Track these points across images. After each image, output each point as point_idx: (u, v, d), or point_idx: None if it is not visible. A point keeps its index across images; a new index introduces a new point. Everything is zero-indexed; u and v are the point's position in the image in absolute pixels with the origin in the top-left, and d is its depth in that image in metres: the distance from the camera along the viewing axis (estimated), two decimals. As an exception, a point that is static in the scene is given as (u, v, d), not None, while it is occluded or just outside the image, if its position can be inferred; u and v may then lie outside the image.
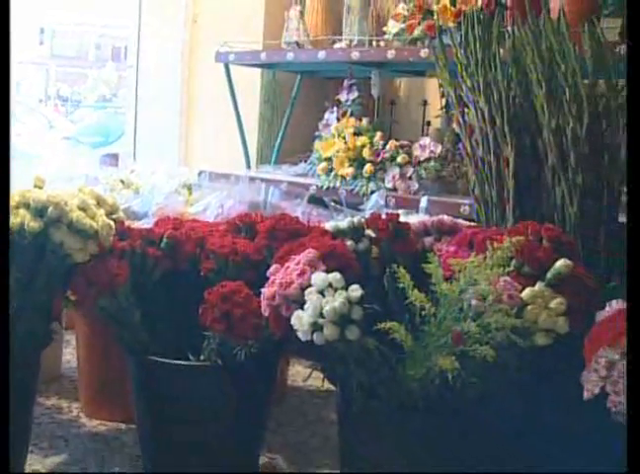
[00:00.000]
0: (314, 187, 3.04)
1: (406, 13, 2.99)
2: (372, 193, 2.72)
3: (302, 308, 1.46)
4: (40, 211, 1.63)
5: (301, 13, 3.48)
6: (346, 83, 3.36)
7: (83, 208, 1.69)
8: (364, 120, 3.16)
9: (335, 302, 1.42)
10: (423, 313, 1.44)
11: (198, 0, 4.18)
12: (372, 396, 1.50)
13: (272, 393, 1.87)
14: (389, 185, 2.87)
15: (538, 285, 1.49)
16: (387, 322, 1.42)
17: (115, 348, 1.84)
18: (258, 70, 3.81)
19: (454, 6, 2.70)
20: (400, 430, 1.52)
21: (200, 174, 3.10)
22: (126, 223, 1.90)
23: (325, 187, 3.05)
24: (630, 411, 1.06)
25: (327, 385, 1.68)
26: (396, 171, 2.85)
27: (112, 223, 1.75)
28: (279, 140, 3.83)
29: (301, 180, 3.21)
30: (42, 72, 4.67)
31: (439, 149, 2.80)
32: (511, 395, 1.48)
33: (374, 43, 3.22)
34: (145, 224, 2.05)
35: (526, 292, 1.46)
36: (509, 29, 1.94)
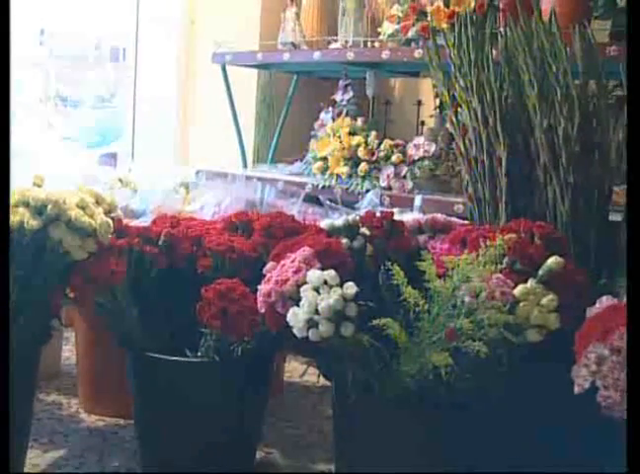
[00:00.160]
0: (310, 185, 3.05)
1: (400, 14, 3.00)
2: (367, 191, 2.73)
3: (298, 305, 1.47)
4: (39, 210, 1.64)
5: (297, 14, 3.49)
6: (341, 83, 3.37)
7: (82, 207, 1.70)
8: (359, 120, 3.18)
9: (330, 299, 1.43)
10: (417, 310, 1.45)
11: (195, 2, 4.19)
12: (367, 391, 1.51)
13: (268, 389, 1.89)
14: (384, 183, 2.87)
15: (530, 282, 1.49)
16: (382, 318, 1.43)
17: (113, 344, 1.85)
18: (254, 71, 3.83)
19: (448, 7, 2.70)
20: (394, 424, 1.53)
21: (197, 173, 3.11)
22: (124, 221, 1.91)
23: (320, 185, 3.05)
24: (630, 411, 1.07)
25: (322, 381, 1.70)
26: (391, 170, 2.86)
27: (110, 221, 1.75)
28: (275, 140, 3.84)
29: (297, 179, 3.21)
30: (42, 73, 4.65)
31: (432, 148, 2.81)
32: (503, 389, 1.49)
33: (369, 44, 3.22)
34: (143, 222, 2.06)
35: (519, 289, 1.47)
36: (501, 30, 1.94)
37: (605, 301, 1.43)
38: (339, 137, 3.12)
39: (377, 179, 2.91)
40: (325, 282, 1.47)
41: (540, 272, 1.52)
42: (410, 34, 2.92)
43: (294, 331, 1.46)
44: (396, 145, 2.94)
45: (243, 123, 3.75)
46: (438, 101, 3.04)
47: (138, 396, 1.84)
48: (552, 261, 1.52)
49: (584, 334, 1.32)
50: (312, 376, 1.74)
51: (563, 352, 1.34)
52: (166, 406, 1.77)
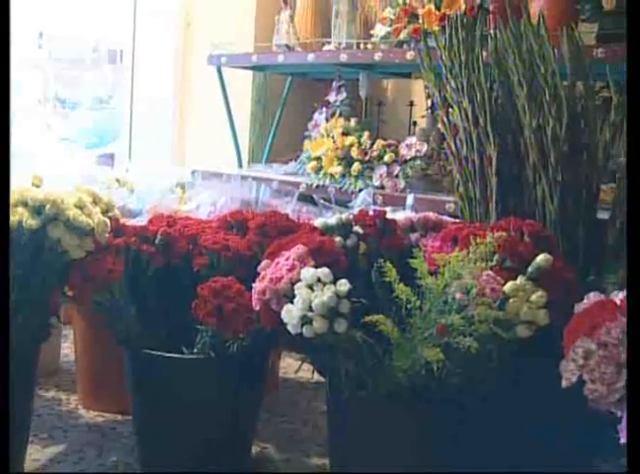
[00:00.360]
0: (304, 185, 3.06)
1: (392, 17, 3.01)
2: (360, 190, 2.73)
3: (292, 302, 1.48)
4: (37, 209, 1.65)
5: (291, 17, 3.51)
6: (334, 84, 3.38)
7: (79, 206, 1.71)
8: (353, 121, 3.19)
9: (323, 296, 1.44)
10: (409, 306, 1.46)
11: (191, 5, 4.21)
12: (360, 387, 1.53)
13: (263, 385, 1.90)
14: (377, 183, 2.88)
15: (520, 279, 1.51)
16: (374, 315, 1.45)
17: (111, 341, 1.86)
18: (249, 72, 3.84)
19: (439, 10, 2.71)
20: (387, 419, 1.55)
21: (193, 173, 3.11)
22: (122, 221, 1.93)
23: (314, 185, 3.06)
24: (630, 411, 1.08)
25: (317, 377, 1.71)
26: (383, 169, 2.87)
27: (107, 221, 1.77)
28: (269, 140, 3.86)
29: (291, 178, 3.22)
30: (41, 75, 4.65)
31: (424, 148, 2.81)
32: (494, 384, 1.51)
33: (362, 46, 3.23)
34: (140, 222, 2.08)
35: (508, 286, 1.48)
36: (491, 32, 1.95)
37: (593, 297, 1.44)
38: (332, 137, 3.13)
39: (370, 178, 2.92)
40: (319, 280, 1.48)
41: (530, 269, 1.53)
42: (402, 36, 2.94)
43: (289, 328, 1.48)
44: (389, 145, 2.95)
45: (238, 124, 3.77)
46: (429, 101, 3.05)
47: (136, 392, 1.86)
48: (541, 258, 1.53)
49: (572, 329, 1.33)
50: (307, 372, 1.75)
51: (552, 347, 1.36)
52: (163, 402, 1.79)
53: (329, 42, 3.37)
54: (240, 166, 3.78)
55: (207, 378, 1.78)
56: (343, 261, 1.63)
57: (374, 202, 2.62)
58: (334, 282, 1.48)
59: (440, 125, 2.13)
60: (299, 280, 1.50)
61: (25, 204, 1.65)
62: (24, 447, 1.79)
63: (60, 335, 2.56)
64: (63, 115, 4.91)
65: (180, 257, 1.86)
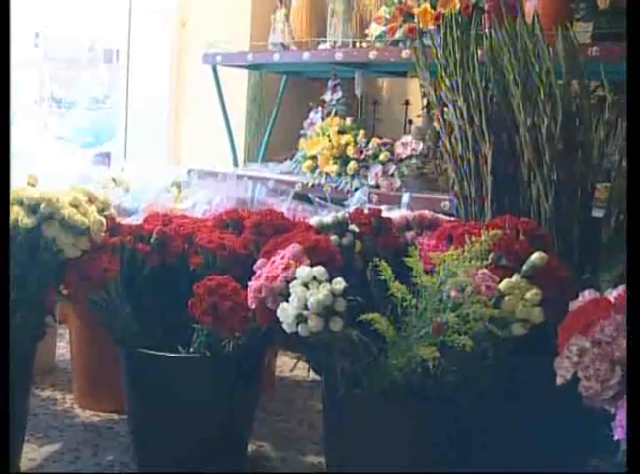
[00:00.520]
0: (300, 184, 3.07)
1: (388, 16, 3.02)
2: (356, 189, 2.74)
3: (288, 301, 1.48)
4: (33, 208, 1.65)
5: (287, 16, 3.51)
6: (330, 83, 3.39)
7: (75, 205, 1.71)
8: (348, 120, 3.19)
9: (319, 295, 1.44)
10: (404, 305, 1.46)
11: (186, 4, 4.21)
12: (356, 385, 1.53)
13: (259, 383, 1.91)
14: (372, 181, 2.89)
15: (515, 277, 1.51)
16: (370, 313, 1.45)
17: (106, 340, 1.86)
18: (245, 71, 3.84)
19: (434, 9, 2.72)
20: (383, 417, 1.55)
21: (188, 172, 3.11)
22: (117, 220, 1.93)
23: (310, 184, 3.07)
24: (630, 412, 1.09)
25: (313, 376, 1.71)
26: (379, 168, 2.88)
27: (103, 220, 1.77)
28: (265, 139, 3.86)
29: (287, 177, 3.23)
30: (37, 75, 4.65)
31: (420, 147, 2.82)
32: (489, 382, 1.51)
33: (357, 45, 3.24)
34: (135, 221, 2.07)
35: (503, 284, 1.49)
36: (486, 31, 1.96)
37: (588, 295, 1.44)
38: (328, 136, 3.13)
39: (366, 177, 2.92)
40: (314, 278, 1.48)
41: (525, 267, 1.54)
42: (397, 34, 2.94)
43: (284, 326, 1.48)
44: (384, 144, 2.95)
45: (234, 123, 3.77)
46: (425, 100, 3.05)
47: (132, 391, 1.86)
48: (536, 256, 1.54)
49: (566, 327, 1.34)
50: (302, 371, 1.76)
51: (547, 345, 1.37)
52: (159, 401, 1.79)
53: (324, 41, 3.38)
54: (236, 165, 3.78)
55: (203, 377, 1.78)
56: (338, 259, 1.64)
57: (370, 201, 2.63)
58: (329, 281, 1.48)
59: (435, 124, 2.13)
60: (295, 279, 1.50)
61: (20, 203, 1.65)
62: (19, 447, 1.79)
63: (56, 334, 2.55)
64: (59, 114, 4.91)
65: (175, 256, 1.86)
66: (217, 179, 2.86)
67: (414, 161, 2.81)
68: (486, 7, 2.58)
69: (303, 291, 1.47)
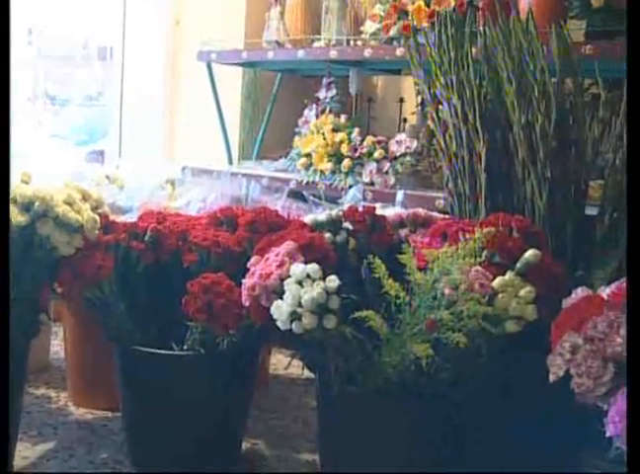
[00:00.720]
0: (294, 181, 3.07)
1: (382, 13, 3.02)
2: (350, 187, 2.74)
3: (282, 298, 1.48)
4: (26, 206, 1.65)
5: (281, 13, 3.51)
6: (324, 81, 3.39)
7: (69, 203, 1.71)
8: (343, 117, 3.19)
9: (313, 292, 1.45)
10: (398, 302, 1.47)
11: (180, 2, 4.20)
12: (350, 382, 1.53)
13: (253, 381, 1.91)
14: (366, 179, 2.89)
15: (508, 275, 1.52)
16: (364, 311, 1.45)
17: (100, 338, 1.86)
18: (239, 68, 3.84)
19: (428, 7, 2.72)
20: (377, 414, 1.56)
21: (183, 169, 3.11)
22: (111, 217, 1.93)
23: (304, 181, 3.06)
24: (630, 412, 1.09)
25: (307, 373, 1.73)
26: (373, 166, 2.88)
27: (97, 217, 1.77)
28: (259, 136, 3.86)
29: (281, 175, 3.22)
30: (31, 72, 4.64)
31: (414, 145, 2.82)
32: (483, 378, 1.52)
33: (352, 43, 3.23)
34: (129, 218, 2.07)
35: (497, 281, 1.49)
36: (480, 29, 1.96)
37: (581, 292, 1.45)
38: (322, 134, 3.13)
39: (360, 175, 2.92)
40: (308, 276, 1.49)
41: (518, 264, 1.54)
42: (392, 32, 2.94)
43: (278, 323, 1.48)
44: (379, 142, 2.95)
45: (228, 121, 3.77)
46: (419, 98, 3.06)
47: (126, 389, 1.86)
48: (530, 254, 1.54)
49: (559, 324, 1.34)
50: (297, 369, 1.76)
51: (541, 342, 1.37)
52: (153, 399, 1.79)
53: (319, 39, 3.37)
54: (230, 163, 3.78)
55: (197, 375, 1.79)
56: (332, 257, 1.64)
57: (364, 199, 2.63)
58: (323, 278, 1.48)
59: (429, 122, 2.13)
60: (289, 276, 1.51)
61: (14, 201, 1.65)
62: (13, 445, 1.78)
63: (50, 332, 2.55)
64: (53, 112, 4.90)
65: (170, 253, 1.87)
66: (212, 176, 2.86)
67: (408, 159, 2.81)
68: (480, 5, 2.58)
69: (297, 289, 1.47)
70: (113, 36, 4.46)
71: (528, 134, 1.84)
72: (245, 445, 1.97)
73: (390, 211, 1.97)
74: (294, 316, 1.46)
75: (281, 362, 2.61)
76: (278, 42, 3.48)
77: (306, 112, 3.45)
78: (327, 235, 1.72)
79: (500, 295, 1.49)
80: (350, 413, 1.60)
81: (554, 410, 1.51)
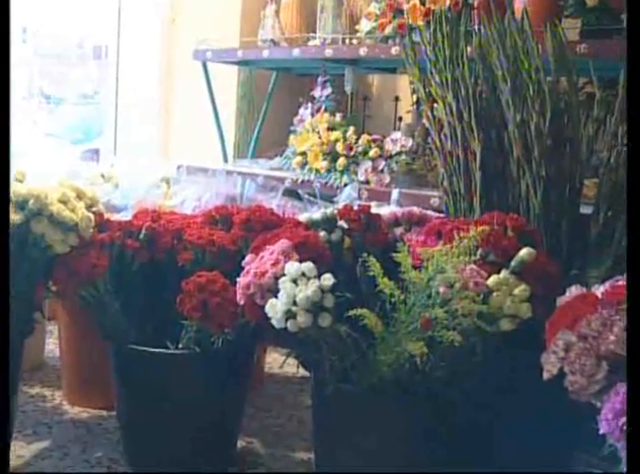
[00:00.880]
0: (289, 180, 3.07)
1: (377, 12, 3.03)
2: (345, 185, 2.74)
3: (276, 297, 1.48)
4: (21, 204, 1.65)
5: (277, 12, 3.52)
6: (320, 79, 3.39)
7: (63, 201, 1.71)
8: (338, 116, 3.20)
9: (308, 291, 1.44)
10: (393, 300, 1.46)
11: (175, 0, 4.20)
12: (345, 380, 1.53)
13: (248, 379, 1.91)
14: (362, 178, 2.89)
15: (503, 273, 1.52)
16: (359, 309, 1.45)
17: (95, 337, 1.86)
18: (235, 67, 3.84)
19: (424, 5, 2.73)
20: (372, 412, 1.56)
21: (178, 168, 3.11)
22: (106, 216, 1.92)
23: (300, 180, 3.07)
24: (630, 412, 1.09)
25: (302, 371, 1.72)
26: (368, 164, 2.88)
27: (91, 216, 1.77)
28: (255, 135, 3.86)
29: (277, 173, 3.23)
30: (26, 71, 4.64)
31: (409, 143, 2.83)
32: (478, 377, 1.52)
33: (347, 41, 3.24)
34: (124, 217, 2.07)
35: (492, 280, 1.49)
36: (475, 28, 1.96)
37: (575, 291, 1.45)
38: (318, 133, 3.14)
39: (355, 173, 2.92)
40: (303, 274, 1.48)
41: (513, 263, 1.54)
42: (387, 31, 2.95)
43: (273, 322, 1.48)
44: (374, 140, 2.95)
45: (224, 119, 3.77)
46: (414, 97, 3.05)
47: (121, 388, 1.86)
48: (524, 252, 1.54)
49: (554, 322, 1.35)
50: (292, 367, 1.76)
51: (535, 340, 1.37)
52: (148, 397, 1.79)
53: (314, 38, 3.38)
54: (225, 161, 3.78)
55: (192, 373, 1.78)
56: (327, 255, 1.64)
57: (359, 197, 2.64)
58: (318, 277, 1.48)
59: (424, 120, 2.13)
60: (284, 275, 1.50)
61: (8, 199, 1.65)
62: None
63: (45, 330, 2.55)
64: (49, 110, 4.90)
65: (164, 252, 1.86)
66: (207, 175, 2.86)
67: (403, 157, 2.82)
68: (475, 4, 2.59)
69: (292, 287, 1.47)
70: (108, 34, 4.45)
71: (523, 133, 1.83)
72: (240, 444, 1.97)
73: (385, 210, 1.97)
74: (289, 314, 1.46)
75: (277, 361, 2.61)
76: (273, 41, 3.49)
77: (301, 110, 3.46)
78: (322, 234, 1.72)
79: (494, 294, 1.49)
80: (345, 411, 1.59)
81: (548, 408, 1.51)
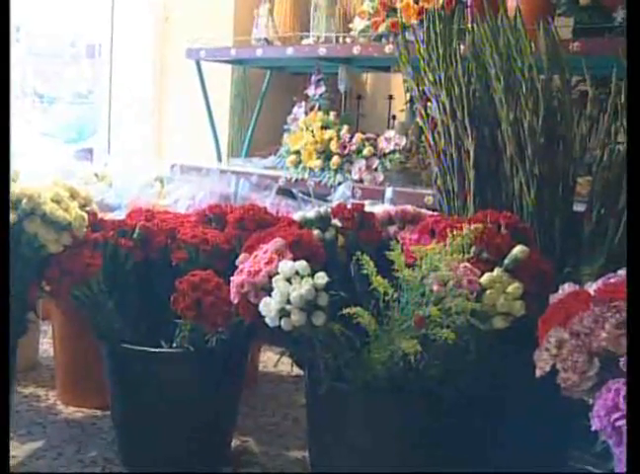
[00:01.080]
0: (283, 179, 3.08)
1: (371, 10, 3.03)
2: (339, 184, 2.75)
3: (270, 295, 1.48)
4: (14, 204, 1.65)
5: (270, 10, 3.52)
6: (313, 78, 3.40)
7: (57, 201, 1.71)
8: (332, 114, 3.20)
9: (301, 289, 1.44)
10: (386, 299, 1.46)
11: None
12: (339, 379, 1.53)
13: (243, 378, 1.91)
14: (355, 176, 2.90)
15: (496, 271, 1.51)
16: (352, 308, 1.45)
17: (89, 336, 1.86)
18: (228, 66, 3.84)
19: (417, 4, 2.73)
20: (365, 410, 1.56)
21: (172, 167, 3.11)
22: (100, 215, 1.92)
23: (294, 179, 3.08)
24: (630, 412, 1.09)
25: (297, 370, 1.72)
26: (362, 163, 2.89)
27: (85, 215, 1.77)
28: (249, 134, 3.86)
29: (271, 172, 3.24)
30: (19, 70, 4.64)
31: (403, 142, 2.83)
32: (471, 375, 1.52)
33: (341, 40, 3.25)
34: (118, 216, 2.07)
35: (485, 278, 1.49)
36: (469, 26, 1.96)
37: (568, 288, 1.46)
38: (311, 131, 3.14)
39: (349, 172, 2.93)
40: (297, 273, 1.48)
41: (506, 261, 1.54)
42: (380, 29, 2.96)
43: (267, 321, 1.48)
44: (368, 139, 2.96)
45: (217, 118, 3.77)
46: (408, 95, 3.06)
47: (115, 387, 1.85)
48: (518, 250, 1.54)
49: (546, 319, 1.35)
50: (287, 366, 1.76)
51: (528, 338, 1.38)
52: (142, 397, 1.79)
53: (308, 36, 3.39)
54: (219, 160, 3.78)
55: (186, 372, 1.78)
56: (321, 254, 1.64)
57: (353, 196, 2.64)
58: (312, 275, 1.48)
59: (418, 119, 2.14)
60: (277, 273, 1.50)
61: (1, 199, 1.64)
62: (2, 443, 1.78)
63: (38, 330, 2.54)
64: (42, 110, 4.89)
65: (158, 251, 1.86)
66: (201, 174, 2.85)
67: (397, 156, 2.82)
68: (468, 2, 2.60)
69: (286, 286, 1.47)
70: (101, 33, 4.45)
71: (517, 131, 1.83)
72: (235, 443, 1.97)
73: (379, 208, 1.97)
74: (283, 313, 1.46)
75: (271, 360, 2.61)
76: (267, 40, 3.49)
77: (295, 109, 3.46)
78: (316, 232, 1.72)
79: (488, 291, 1.48)
80: (339, 409, 1.59)
81: (541, 405, 1.52)
